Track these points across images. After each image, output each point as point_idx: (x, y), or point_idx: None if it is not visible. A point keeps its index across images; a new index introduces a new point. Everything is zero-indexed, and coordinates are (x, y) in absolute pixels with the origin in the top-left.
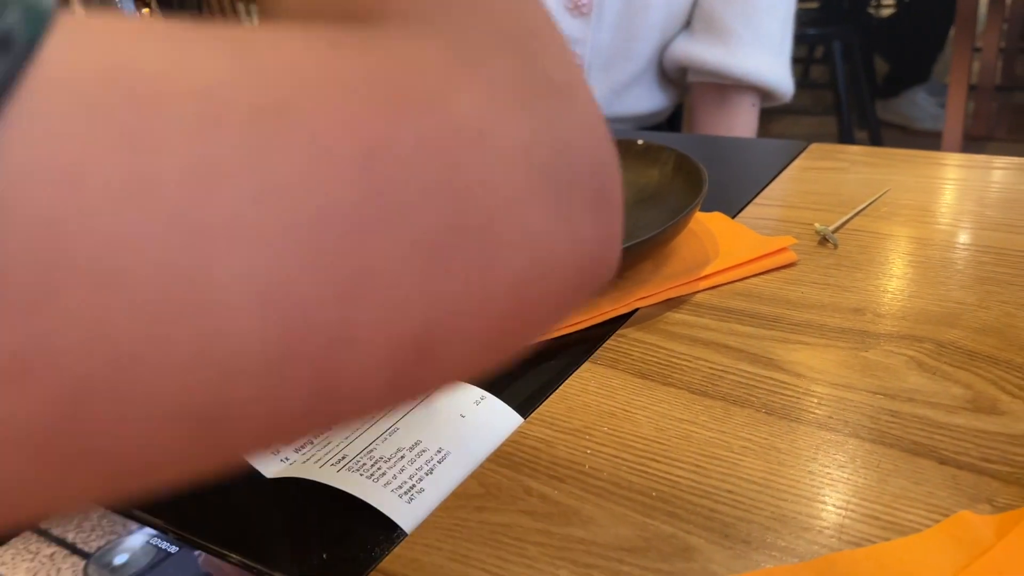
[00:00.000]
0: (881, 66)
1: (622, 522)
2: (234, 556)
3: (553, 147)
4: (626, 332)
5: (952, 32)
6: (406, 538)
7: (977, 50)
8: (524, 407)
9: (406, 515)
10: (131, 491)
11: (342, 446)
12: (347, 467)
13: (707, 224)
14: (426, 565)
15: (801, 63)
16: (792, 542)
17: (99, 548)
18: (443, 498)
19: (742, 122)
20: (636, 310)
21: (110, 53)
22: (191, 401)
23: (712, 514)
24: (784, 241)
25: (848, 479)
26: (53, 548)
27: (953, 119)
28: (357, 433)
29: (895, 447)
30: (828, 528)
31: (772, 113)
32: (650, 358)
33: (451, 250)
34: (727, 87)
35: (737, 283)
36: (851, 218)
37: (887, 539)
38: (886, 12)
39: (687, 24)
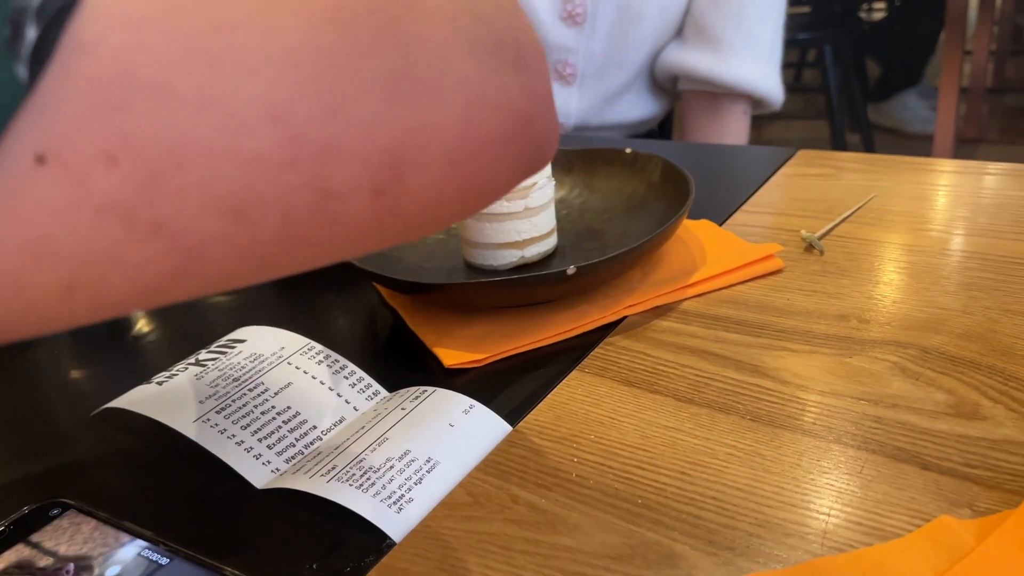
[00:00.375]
0: (873, 70)
1: (608, 530)
2: (226, 567)
3: (475, 17)
4: (614, 340)
5: (943, 35)
6: (395, 547)
7: (968, 53)
8: (512, 416)
9: (395, 525)
10: (190, 286)
11: (332, 456)
12: (336, 477)
13: (695, 232)
14: (414, 574)
15: (793, 67)
16: (776, 548)
17: (90, 560)
18: (432, 507)
19: (734, 129)
20: (624, 318)
21: None
22: (227, 192)
23: (697, 521)
24: (770, 248)
25: (831, 485)
26: (47, 560)
27: (944, 122)
28: (347, 444)
29: (878, 453)
30: (812, 534)
31: (764, 118)
32: (637, 366)
33: (404, 84)
34: (719, 95)
35: (724, 290)
36: (837, 225)
37: (869, 544)
38: (877, 16)
39: (679, 32)
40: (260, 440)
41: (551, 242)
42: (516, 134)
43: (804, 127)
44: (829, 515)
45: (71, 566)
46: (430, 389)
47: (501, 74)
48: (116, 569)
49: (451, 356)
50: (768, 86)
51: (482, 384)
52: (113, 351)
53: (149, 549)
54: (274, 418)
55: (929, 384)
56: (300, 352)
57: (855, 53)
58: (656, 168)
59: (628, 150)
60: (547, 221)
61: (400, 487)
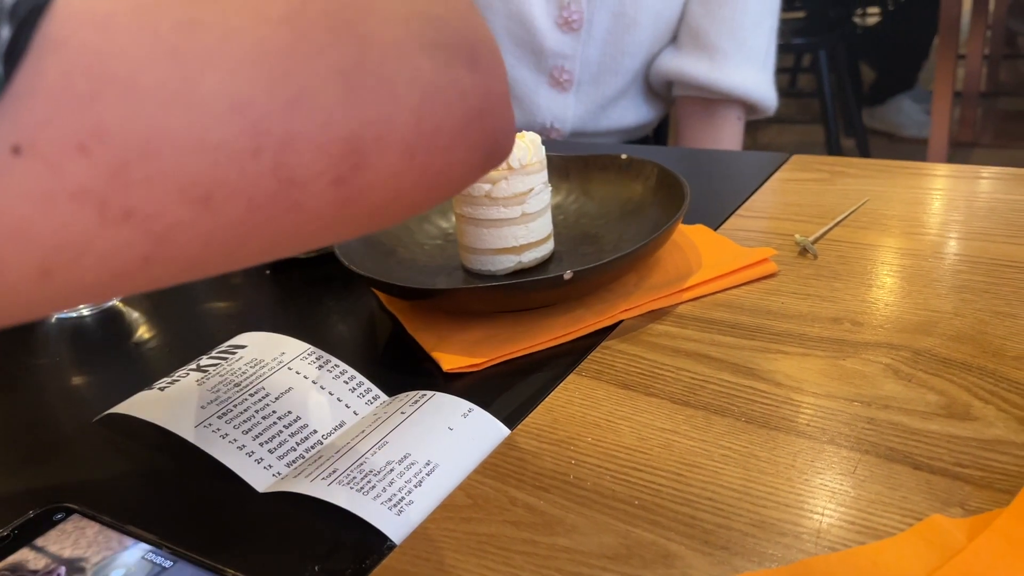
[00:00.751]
0: (867, 74)
1: (605, 530)
2: (228, 570)
3: (427, 19)
4: (610, 344)
5: (936, 40)
6: (395, 549)
7: (961, 57)
8: (511, 419)
9: (395, 527)
10: (160, 273)
11: (332, 460)
12: (337, 480)
13: (690, 236)
14: None
15: (788, 72)
16: (771, 547)
17: (94, 564)
18: (432, 510)
19: (728, 135)
20: (620, 322)
21: None
22: (195, 181)
23: (693, 521)
24: (765, 252)
25: (825, 485)
26: (41, 562)
27: (939, 126)
28: (347, 447)
29: (871, 453)
30: (805, 533)
31: (759, 122)
32: (633, 369)
33: (359, 78)
34: (713, 101)
35: (719, 294)
36: (830, 229)
37: (862, 543)
38: (871, 21)
39: (674, 39)
40: (261, 444)
41: (548, 247)
42: (470, 127)
43: (799, 131)
44: (823, 515)
45: (62, 569)
46: (429, 393)
47: (454, 70)
48: (120, 572)
49: (450, 360)
50: (762, 92)
51: (480, 388)
52: (115, 357)
53: (153, 552)
54: (275, 422)
55: (921, 385)
56: (300, 357)
57: (849, 58)
58: (651, 174)
59: (624, 156)
60: (544, 226)
61: (400, 490)
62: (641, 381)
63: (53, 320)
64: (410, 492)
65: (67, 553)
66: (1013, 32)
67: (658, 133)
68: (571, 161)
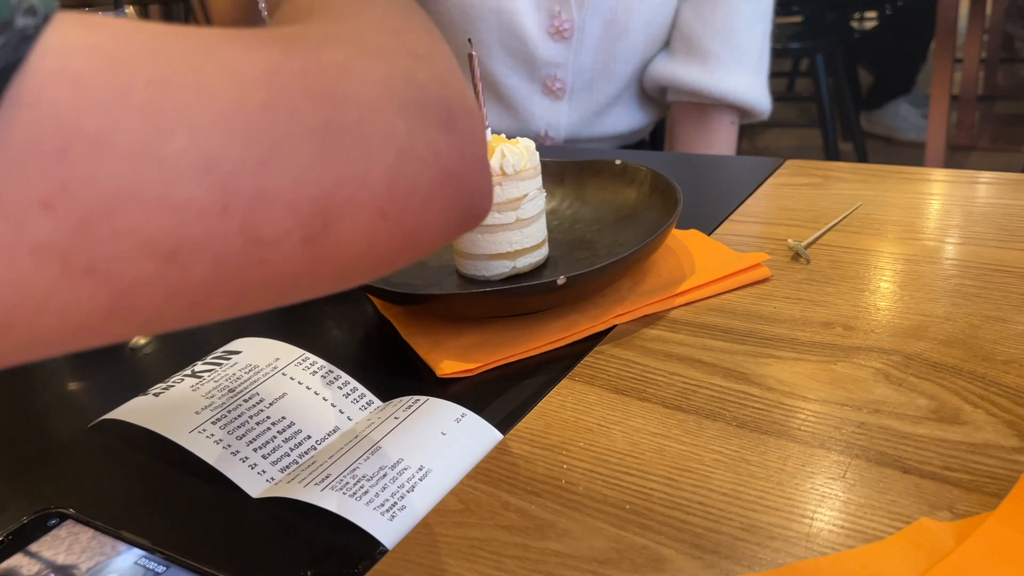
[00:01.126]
0: (865, 78)
1: (596, 534)
2: (221, 575)
3: (406, 81)
4: (604, 348)
5: (933, 44)
6: (387, 554)
7: (958, 61)
8: (504, 424)
9: (388, 532)
10: (123, 327)
11: (326, 466)
12: (330, 486)
13: (684, 241)
14: None
15: (785, 77)
16: (760, 551)
17: (88, 570)
18: (424, 515)
19: (721, 139)
20: (614, 327)
21: (96, 29)
22: (160, 238)
23: (683, 525)
24: (758, 257)
25: (815, 489)
26: (44, 570)
27: (936, 129)
28: (341, 453)
29: (861, 457)
30: (795, 537)
31: (757, 127)
32: (626, 374)
33: (334, 137)
34: (706, 106)
35: (712, 299)
36: (823, 234)
37: (852, 547)
38: (869, 25)
39: (666, 44)
40: (255, 450)
41: (542, 252)
42: (445, 188)
43: (797, 135)
44: (813, 518)
45: (55, 575)
46: (423, 398)
47: (430, 133)
48: None
49: (444, 366)
50: (755, 97)
51: (474, 393)
52: (110, 363)
53: (146, 558)
54: (269, 428)
55: (912, 390)
56: (294, 363)
57: (847, 62)
58: (645, 179)
59: (618, 161)
60: (538, 232)
61: (393, 495)
62: (634, 386)
63: None
64: (403, 497)
65: (61, 559)
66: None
67: (655, 137)
68: (565, 166)
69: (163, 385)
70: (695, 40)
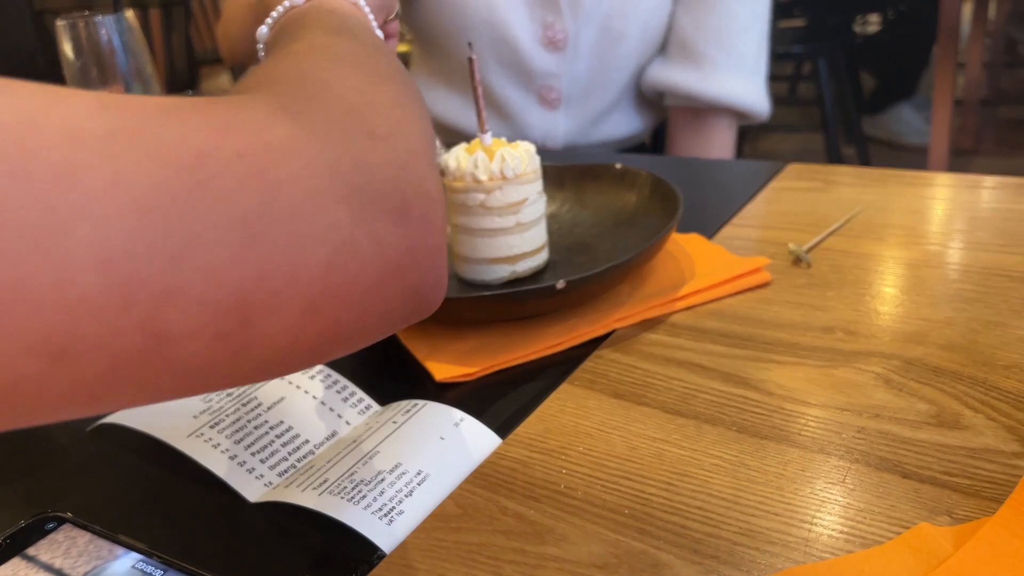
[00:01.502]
0: (867, 82)
1: (595, 539)
2: None
3: (356, 168)
4: (603, 353)
5: (936, 48)
6: (385, 559)
7: (961, 65)
8: (502, 428)
9: (386, 537)
10: (9, 421)
11: (324, 470)
12: (328, 490)
13: (684, 245)
14: None
15: (788, 80)
16: (760, 556)
17: (85, 573)
18: (422, 519)
19: (719, 143)
20: (613, 331)
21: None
22: (47, 336)
23: (682, 530)
24: (758, 261)
25: (814, 494)
26: (41, 574)
27: (939, 134)
28: (339, 457)
29: (860, 462)
30: (794, 542)
31: (760, 131)
32: (625, 378)
33: (263, 228)
34: (703, 110)
35: (712, 303)
36: (824, 238)
37: (851, 552)
38: (871, 29)
39: (662, 49)
40: (253, 454)
41: (542, 257)
42: (388, 282)
43: (800, 139)
44: (812, 524)
45: None
46: (421, 402)
47: (377, 222)
48: None
49: (442, 370)
50: (752, 100)
51: (473, 397)
52: None
53: (144, 562)
54: (267, 432)
55: (912, 395)
56: None
57: (849, 66)
58: (645, 183)
59: (618, 165)
60: (538, 236)
61: (391, 499)
62: (633, 390)
63: None
64: (401, 502)
65: (58, 563)
66: (1013, 40)
67: (656, 140)
68: (565, 171)
69: None
70: (690, 44)
